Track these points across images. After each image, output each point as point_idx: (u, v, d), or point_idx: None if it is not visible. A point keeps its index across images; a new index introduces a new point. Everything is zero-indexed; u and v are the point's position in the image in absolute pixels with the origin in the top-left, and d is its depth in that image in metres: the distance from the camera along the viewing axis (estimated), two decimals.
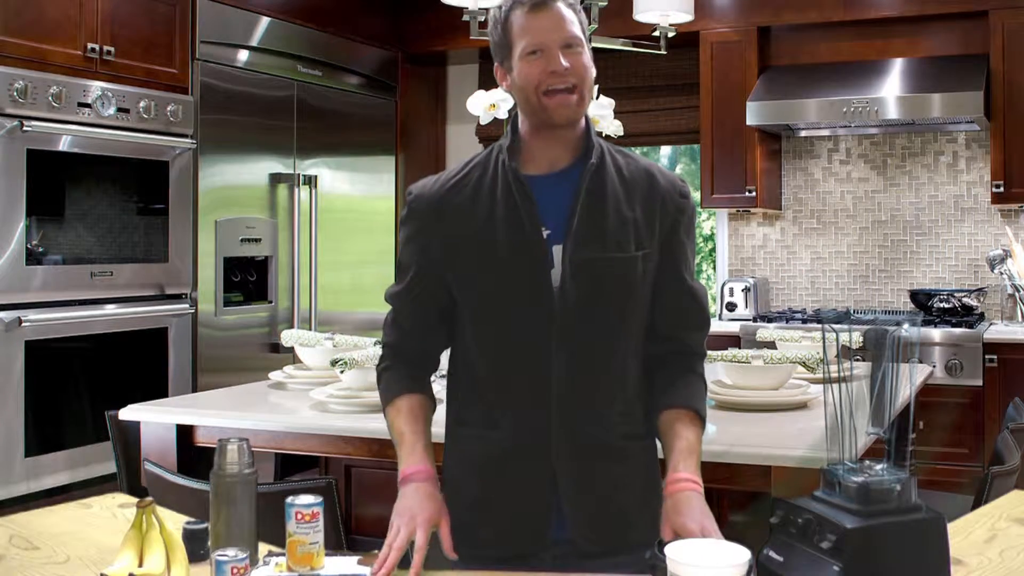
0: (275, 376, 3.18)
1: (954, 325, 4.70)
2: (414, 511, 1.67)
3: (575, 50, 1.73)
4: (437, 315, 1.83)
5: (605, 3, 3.15)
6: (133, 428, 2.71)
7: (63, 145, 3.83)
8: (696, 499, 1.67)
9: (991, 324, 4.92)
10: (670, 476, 1.70)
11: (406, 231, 1.85)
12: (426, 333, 1.86)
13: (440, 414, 1.89)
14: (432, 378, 1.93)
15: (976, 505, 2.26)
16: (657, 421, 1.81)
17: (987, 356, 4.58)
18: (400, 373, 1.86)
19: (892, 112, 4.78)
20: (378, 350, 2.80)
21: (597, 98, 3.03)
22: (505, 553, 1.77)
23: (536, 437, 1.74)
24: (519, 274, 1.73)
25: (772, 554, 1.41)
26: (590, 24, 3.07)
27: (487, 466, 1.78)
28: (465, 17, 3.15)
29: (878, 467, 1.39)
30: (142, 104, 4.11)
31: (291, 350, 3.59)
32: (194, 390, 4.30)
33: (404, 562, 1.62)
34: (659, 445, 1.85)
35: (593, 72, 1.77)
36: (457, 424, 1.84)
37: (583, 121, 1.80)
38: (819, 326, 4.59)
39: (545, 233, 1.74)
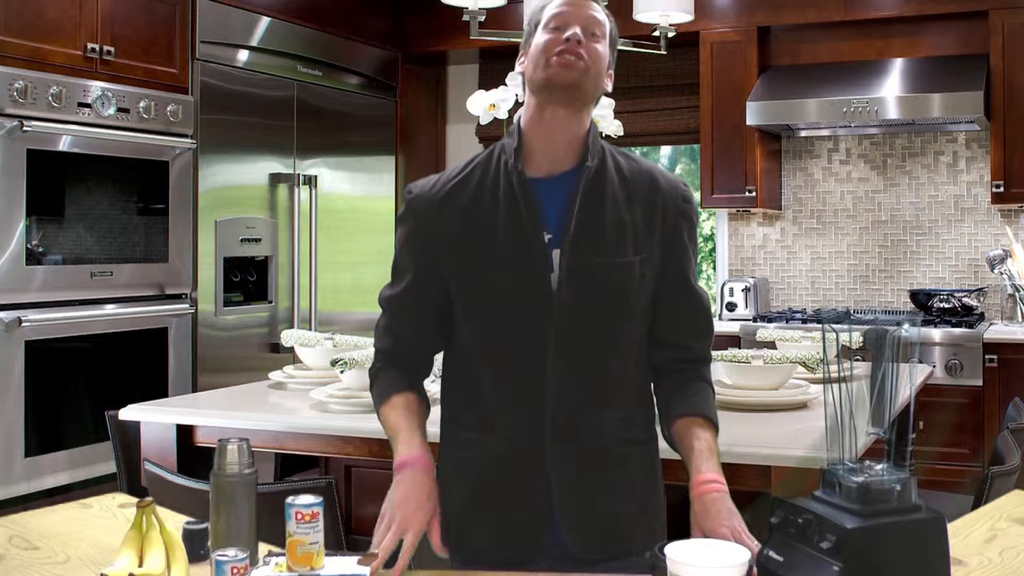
0: (275, 376, 3.18)
1: (954, 325, 4.70)
2: (407, 510, 1.66)
3: (596, 38, 1.76)
4: (435, 316, 1.81)
5: (605, 3, 3.15)
6: (133, 428, 2.71)
7: (63, 145, 3.83)
8: (723, 500, 1.67)
9: (991, 324, 4.92)
10: (695, 479, 1.69)
11: (405, 230, 1.83)
12: (424, 336, 1.84)
13: (435, 414, 1.88)
14: (428, 380, 1.92)
15: (976, 505, 2.26)
16: (670, 430, 1.80)
17: (987, 356, 4.58)
18: (395, 376, 1.85)
19: (892, 112, 4.78)
20: None
21: None
22: (499, 557, 1.76)
23: (532, 440, 1.73)
24: (519, 277, 1.72)
25: (772, 554, 1.41)
26: None
27: (482, 468, 1.77)
28: (465, 17, 3.15)
29: (878, 467, 1.39)
30: (142, 104, 4.11)
31: (291, 350, 3.59)
32: (194, 390, 4.30)
33: (390, 560, 1.61)
34: (657, 450, 1.85)
35: (604, 63, 1.77)
36: (453, 425, 1.83)
37: (588, 122, 1.79)
38: (819, 326, 4.59)
39: (547, 237, 1.73)
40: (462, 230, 1.76)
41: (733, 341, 4.84)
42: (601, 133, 3.03)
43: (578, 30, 1.74)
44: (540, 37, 1.76)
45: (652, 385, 1.86)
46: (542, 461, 1.73)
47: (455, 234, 1.76)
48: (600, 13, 1.79)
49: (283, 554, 1.61)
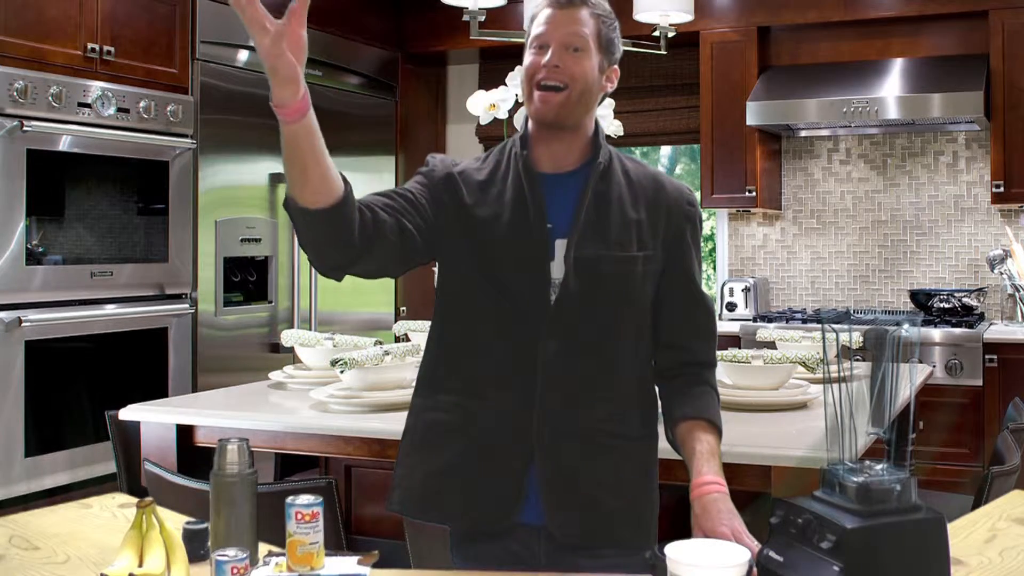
0: (275, 376, 3.18)
1: (954, 325, 4.70)
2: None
3: (577, 53, 1.75)
4: (398, 226, 1.69)
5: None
6: (133, 428, 2.71)
7: (63, 145, 3.83)
8: (723, 501, 1.68)
9: (991, 324, 4.92)
10: (695, 480, 1.72)
11: (417, 175, 1.82)
12: (388, 219, 1.69)
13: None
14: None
15: (976, 505, 2.26)
16: (673, 433, 1.82)
17: (987, 356, 4.57)
18: None
19: (892, 112, 4.78)
20: (378, 350, 2.81)
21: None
22: (465, 525, 1.78)
23: (519, 422, 1.75)
24: (518, 260, 1.75)
25: (772, 554, 1.41)
26: None
27: (464, 436, 1.78)
28: (465, 17, 3.16)
29: (878, 467, 1.39)
30: (142, 104, 4.11)
31: (291, 350, 3.58)
32: (194, 390, 4.30)
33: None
34: (654, 449, 1.86)
35: (591, 76, 1.76)
36: (436, 391, 1.83)
37: (591, 125, 1.82)
38: (819, 326, 4.59)
39: (548, 227, 1.76)
40: (471, 204, 1.78)
41: (733, 341, 4.84)
42: None
43: (557, 55, 1.73)
44: (526, 56, 1.78)
45: (657, 388, 1.87)
46: (527, 440, 1.74)
47: (464, 205, 1.78)
48: (585, 25, 1.76)
49: (283, 554, 1.61)
